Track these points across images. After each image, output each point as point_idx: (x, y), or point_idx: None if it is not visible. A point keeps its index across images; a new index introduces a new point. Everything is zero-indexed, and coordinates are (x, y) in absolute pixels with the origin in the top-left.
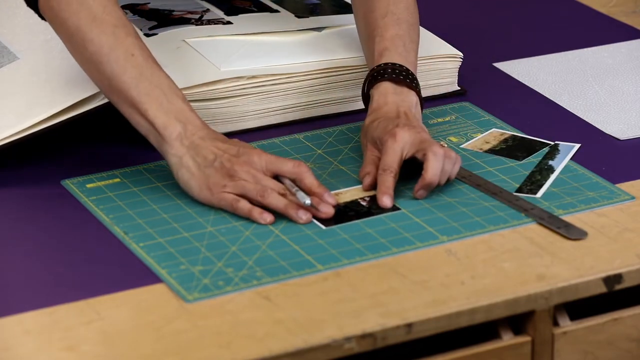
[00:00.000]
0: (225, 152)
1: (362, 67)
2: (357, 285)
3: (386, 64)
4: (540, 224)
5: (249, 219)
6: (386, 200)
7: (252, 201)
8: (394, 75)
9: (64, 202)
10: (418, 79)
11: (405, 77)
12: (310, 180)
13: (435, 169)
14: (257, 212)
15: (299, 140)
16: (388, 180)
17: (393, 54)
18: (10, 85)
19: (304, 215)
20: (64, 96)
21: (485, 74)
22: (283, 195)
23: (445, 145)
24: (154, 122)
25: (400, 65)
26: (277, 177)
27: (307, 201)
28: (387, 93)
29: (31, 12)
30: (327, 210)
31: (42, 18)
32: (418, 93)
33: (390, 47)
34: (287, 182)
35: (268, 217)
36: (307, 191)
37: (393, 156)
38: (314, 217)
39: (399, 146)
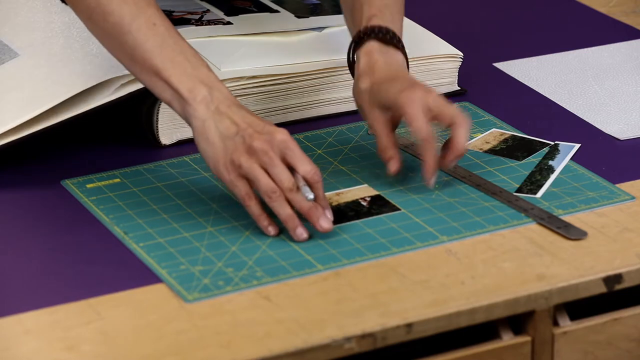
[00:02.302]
0: (249, 126)
1: None
2: (357, 285)
3: (373, 26)
4: (540, 224)
5: (249, 218)
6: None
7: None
8: (380, 35)
9: (64, 202)
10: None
11: (392, 39)
12: (318, 192)
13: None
14: (264, 222)
15: (299, 140)
16: (431, 151)
17: (380, 20)
18: (12, 80)
19: (301, 235)
20: (65, 87)
21: (485, 74)
22: (290, 190)
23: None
24: (178, 88)
25: (387, 28)
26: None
27: (310, 196)
28: (373, 52)
29: (32, 11)
30: (325, 225)
31: (63, 1)
32: (405, 54)
33: (378, 14)
34: (298, 176)
35: (273, 231)
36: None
37: (422, 122)
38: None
39: (421, 111)
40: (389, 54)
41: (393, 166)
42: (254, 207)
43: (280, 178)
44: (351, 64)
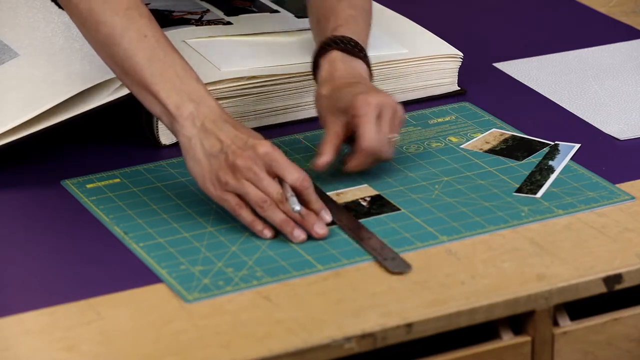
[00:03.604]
0: (232, 142)
1: None
2: (357, 285)
3: (336, 35)
4: (372, 254)
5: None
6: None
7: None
8: (342, 45)
9: (64, 202)
10: (416, 82)
11: (354, 47)
12: (309, 197)
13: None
14: (258, 226)
15: (299, 140)
16: (367, 162)
17: (346, 30)
18: (12, 80)
19: (299, 235)
20: (65, 87)
21: (485, 74)
22: (279, 202)
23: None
24: (166, 103)
25: (350, 38)
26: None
27: (297, 207)
28: (336, 60)
29: (32, 11)
30: (320, 231)
31: (60, 7)
32: (368, 65)
33: (344, 25)
34: (287, 186)
35: (269, 234)
36: (305, 205)
37: (375, 132)
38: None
39: (373, 117)
40: (351, 63)
41: (320, 160)
42: (245, 215)
43: (268, 191)
44: (314, 68)
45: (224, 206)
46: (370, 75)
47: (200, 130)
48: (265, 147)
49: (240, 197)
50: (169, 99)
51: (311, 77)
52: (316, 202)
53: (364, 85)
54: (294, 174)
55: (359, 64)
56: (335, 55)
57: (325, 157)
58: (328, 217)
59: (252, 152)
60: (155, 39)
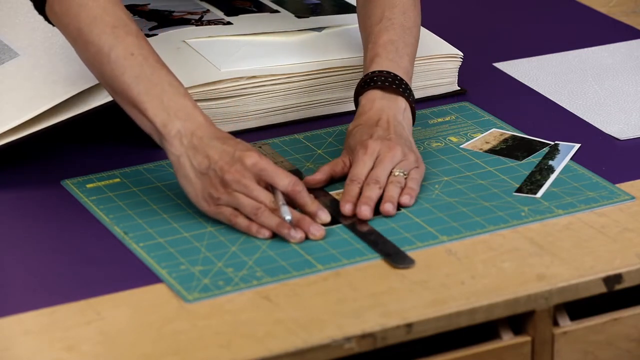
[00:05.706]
0: (220, 158)
1: (362, 67)
2: (357, 285)
3: (373, 72)
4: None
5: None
6: (348, 208)
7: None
8: (379, 83)
9: (64, 202)
10: (416, 82)
11: (391, 84)
12: (303, 200)
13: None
14: (255, 228)
15: (299, 140)
16: (354, 190)
17: (383, 60)
18: (12, 80)
19: (296, 235)
20: (65, 87)
21: (485, 74)
22: (273, 210)
23: (400, 174)
24: (154, 121)
25: (388, 72)
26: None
27: (288, 217)
28: (374, 99)
29: (32, 11)
30: (317, 233)
31: (53, 24)
32: (407, 98)
33: (381, 53)
34: (279, 193)
35: (266, 233)
36: (301, 209)
37: (362, 168)
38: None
39: (370, 159)
40: (389, 101)
41: (312, 177)
42: (241, 221)
43: (260, 199)
44: (356, 104)
45: (219, 219)
46: (413, 109)
47: (188, 147)
48: (252, 158)
49: (235, 208)
50: (156, 117)
51: (311, 77)
52: (311, 204)
53: (380, 129)
54: (284, 180)
55: (397, 102)
56: (374, 94)
57: (318, 175)
58: (325, 217)
59: (239, 165)
60: (143, 57)
